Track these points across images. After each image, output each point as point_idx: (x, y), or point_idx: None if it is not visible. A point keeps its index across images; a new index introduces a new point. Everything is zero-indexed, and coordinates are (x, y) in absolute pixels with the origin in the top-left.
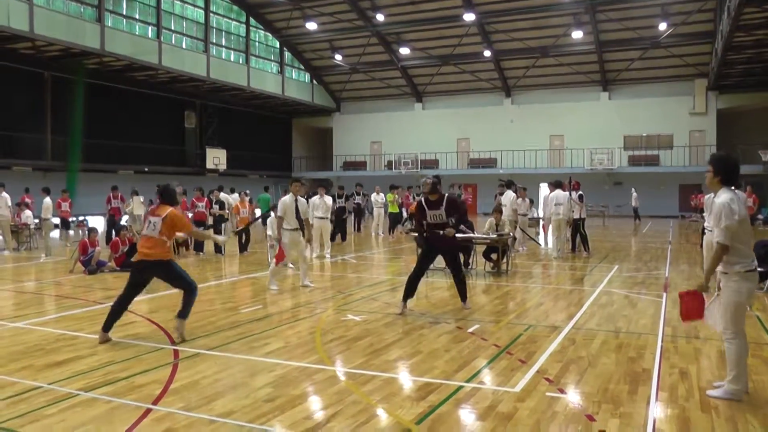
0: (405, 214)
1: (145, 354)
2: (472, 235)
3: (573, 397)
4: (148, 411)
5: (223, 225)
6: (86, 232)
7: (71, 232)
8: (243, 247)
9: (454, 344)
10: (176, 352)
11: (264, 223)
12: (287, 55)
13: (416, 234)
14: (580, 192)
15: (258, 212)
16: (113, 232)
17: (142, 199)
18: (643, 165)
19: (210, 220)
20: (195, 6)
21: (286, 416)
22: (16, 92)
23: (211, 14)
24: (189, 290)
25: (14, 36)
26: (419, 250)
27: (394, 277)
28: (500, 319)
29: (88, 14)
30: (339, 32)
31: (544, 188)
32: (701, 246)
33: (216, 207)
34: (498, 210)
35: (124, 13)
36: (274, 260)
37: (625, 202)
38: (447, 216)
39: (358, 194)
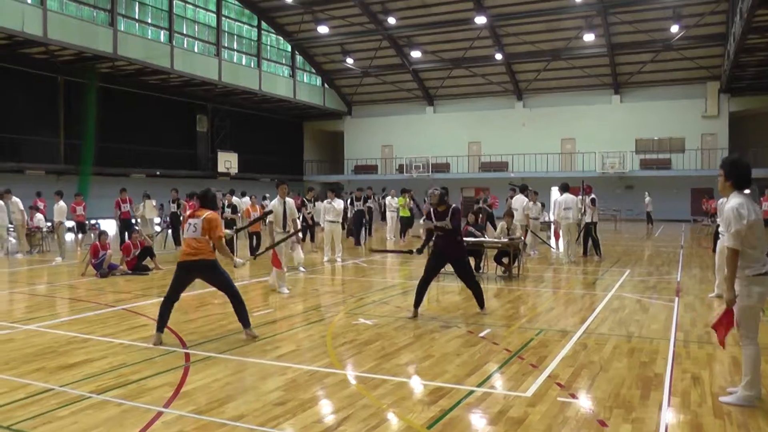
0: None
1: (156, 357)
2: (483, 239)
3: (585, 402)
4: (159, 414)
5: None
6: (97, 235)
7: (91, 234)
8: (253, 251)
9: (466, 348)
10: (187, 355)
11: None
12: (299, 58)
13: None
14: (593, 196)
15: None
16: (126, 235)
17: (154, 202)
18: (654, 168)
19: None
20: (207, 10)
21: (296, 420)
22: (30, 96)
23: (223, 18)
24: (233, 298)
25: (28, 41)
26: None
27: (406, 281)
28: (511, 324)
29: (101, 19)
30: (350, 36)
31: (555, 192)
32: (713, 250)
33: (228, 211)
34: (509, 214)
35: (137, 17)
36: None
37: (637, 206)
38: (451, 224)
39: (368, 198)
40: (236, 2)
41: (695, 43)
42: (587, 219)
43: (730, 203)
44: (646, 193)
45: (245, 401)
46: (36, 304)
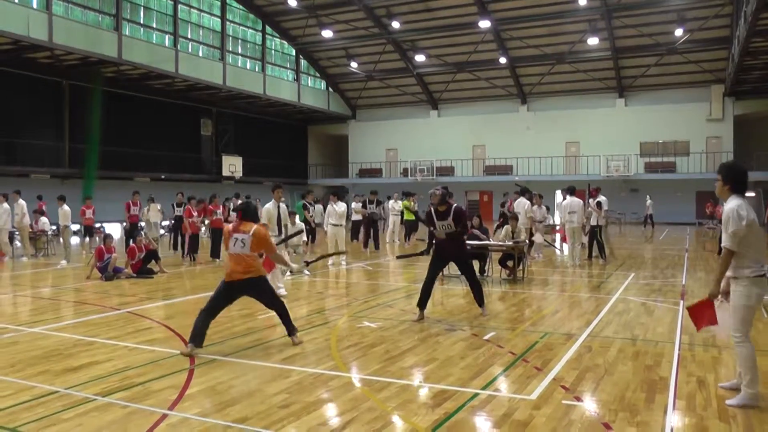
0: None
1: (161, 360)
2: (487, 242)
3: (589, 405)
4: (164, 416)
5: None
6: (102, 238)
7: (96, 238)
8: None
9: (470, 351)
10: (192, 358)
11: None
12: (303, 62)
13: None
14: (599, 199)
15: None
16: (131, 240)
17: (159, 206)
18: (659, 172)
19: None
20: (211, 14)
21: (301, 422)
22: (35, 100)
23: (228, 22)
24: (280, 311)
25: (33, 45)
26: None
27: (410, 284)
28: (516, 327)
29: (106, 23)
30: (355, 40)
31: (560, 195)
32: (718, 253)
33: (234, 215)
34: (514, 217)
35: (142, 21)
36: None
37: (642, 209)
38: (455, 225)
39: (371, 202)
40: (241, 7)
41: (699, 47)
42: (593, 222)
43: (730, 204)
44: (648, 196)
45: (250, 404)
46: (41, 307)
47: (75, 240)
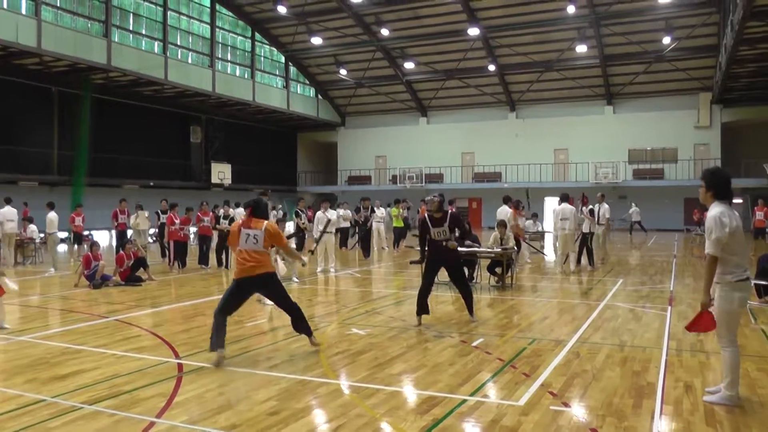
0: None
1: (149, 367)
2: (476, 249)
3: (577, 410)
4: (152, 424)
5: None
6: (89, 246)
7: (85, 246)
8: None
9: (459, 358)
10: (180, 365)
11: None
12: (292, 69)
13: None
14: (591, 206)
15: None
16: (120, 247)
17: (147, 213)
18: (647, 179)
19: (215, 235)
20: (201, 21)
21: (289, 429)
22: (24, 107)
23: (217, 29)
24: (294, 311)
25: (22, 52)
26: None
27: (399, 291)
28: (505, 333)
29: (95, 30)
30: (344, 47)
31: (549, 202)
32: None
33: (225, 222)
34: (502, 224)
35: (131, 28)
36: None
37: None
38: (450, 231)
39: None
40: (230, 13)
41: (687, 55)
42: (585, 229)
43: (712, 212)
44: (633, 203)
45: (238, 411)
46: (29, 315)
47: (63, 247)
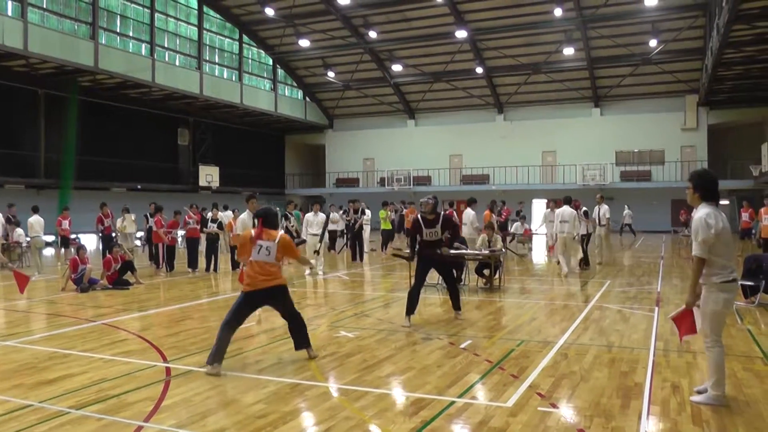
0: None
1: (136, 372)
2: (464, 251)
3: (565, 411)
4: (140, 428)
5: (218, 243)
6: (75, 249)
7: (71, 249)
8: (236, 265)
9: (447, 360)
10: (168, 369)
11: None
12: (280, 72)
13: (403, 254)
14: (585, 209)
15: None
16: (108, 251)
17: (133, 217)
18: (635, 180)
19: (203, 238)
20: (188, 23)
21: None
22: (10, 110)
23: (205, 31)
24: (297, 321)
25: (8, 54)
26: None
27: (387, 293)
28: (493, 335)
29: (82, 32)
30: (332, 49)
31: (537, 204)
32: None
33: (213, 225)
34: (490, 227)
35: (118, 30)
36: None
37: (620, 218)
38: (441, 233)
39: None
40: (218, 16)
41: (673, 57)
42: (582, 231)
43: (699, 213)
44: (626, 206)
45: (226, 414)
46: (15, 319)
47: (50, 251)
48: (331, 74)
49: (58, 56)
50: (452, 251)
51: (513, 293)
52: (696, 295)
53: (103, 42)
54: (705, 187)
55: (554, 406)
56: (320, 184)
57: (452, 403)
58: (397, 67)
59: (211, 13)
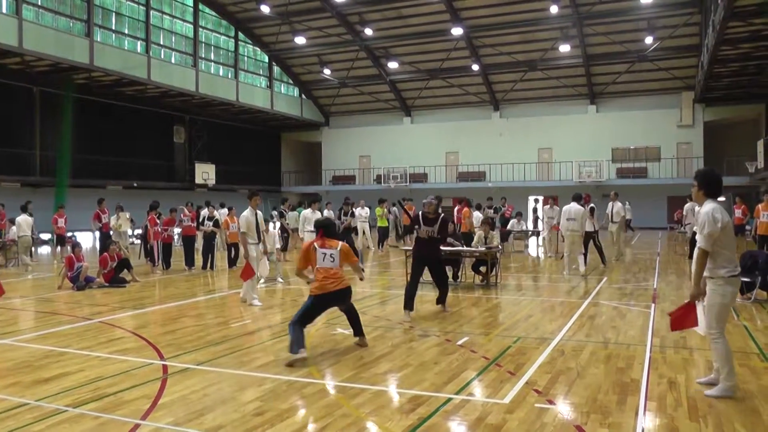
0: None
1: (133, 369)
2: (460, 248)
3: (562, 407)
4: (137, 426)
5: (215, 241)
6: (71, 247)
7: (68, 247)
8: (232, 262)
9: (444, 357)
10: (165, 367)
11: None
12: (276, 69)
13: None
14: (592, 205)
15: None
16: (104, 249)
17: (128, 215)
18: (631, 177)
19: (200, 236)
20: (184, 21)
21: (275, 430)
22: (5, 108)
23: (200, 29)
24: (354, 313)
25: (3, 51)
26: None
27: (384, 291)
28: (489, 332)
29: (77, 29)
30: (327, 47)
31: (532, 202)
32: (690, 256)
33: (209, 224)
34: (487, 223)
35: (113, 27)
36: (242, 278)
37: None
38: (437, 233)
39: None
40: (213, 13)
41: (669, 54)
42: (588, 228)
43: (705, 208)
44: (627, 202)
45: (223, 412)
46: (11, 318)
47: (46, 249)
48: (326, 72)
49: (54, 54)
50: (447, 248)
51: (509, 290)
52: (700, 287)
53: (99, 39)
54: (709, 185)
55: (551, 402)
56: (316, 181)
57: (449, 400)
58: (393, 65)
59: (207, 10)
